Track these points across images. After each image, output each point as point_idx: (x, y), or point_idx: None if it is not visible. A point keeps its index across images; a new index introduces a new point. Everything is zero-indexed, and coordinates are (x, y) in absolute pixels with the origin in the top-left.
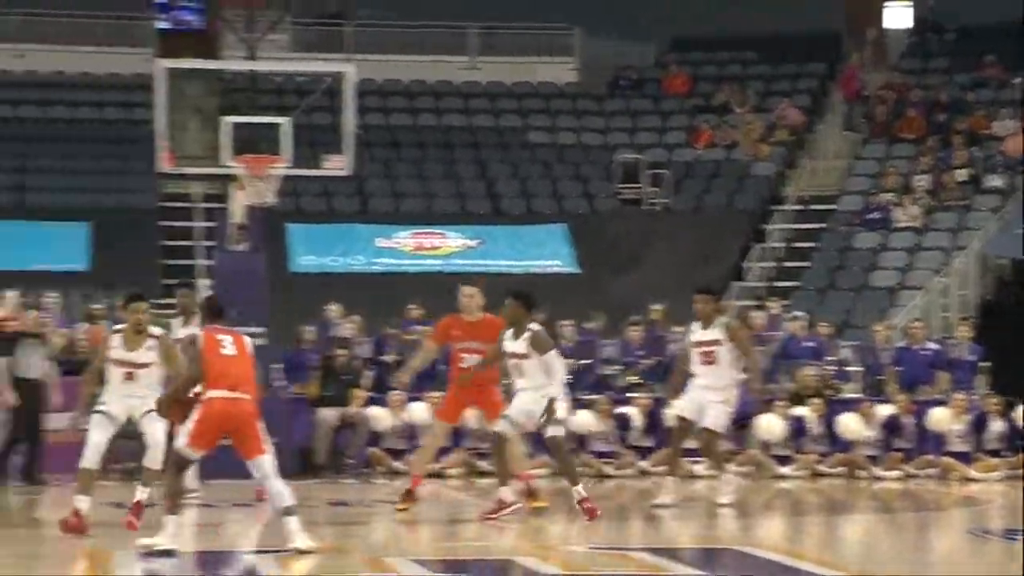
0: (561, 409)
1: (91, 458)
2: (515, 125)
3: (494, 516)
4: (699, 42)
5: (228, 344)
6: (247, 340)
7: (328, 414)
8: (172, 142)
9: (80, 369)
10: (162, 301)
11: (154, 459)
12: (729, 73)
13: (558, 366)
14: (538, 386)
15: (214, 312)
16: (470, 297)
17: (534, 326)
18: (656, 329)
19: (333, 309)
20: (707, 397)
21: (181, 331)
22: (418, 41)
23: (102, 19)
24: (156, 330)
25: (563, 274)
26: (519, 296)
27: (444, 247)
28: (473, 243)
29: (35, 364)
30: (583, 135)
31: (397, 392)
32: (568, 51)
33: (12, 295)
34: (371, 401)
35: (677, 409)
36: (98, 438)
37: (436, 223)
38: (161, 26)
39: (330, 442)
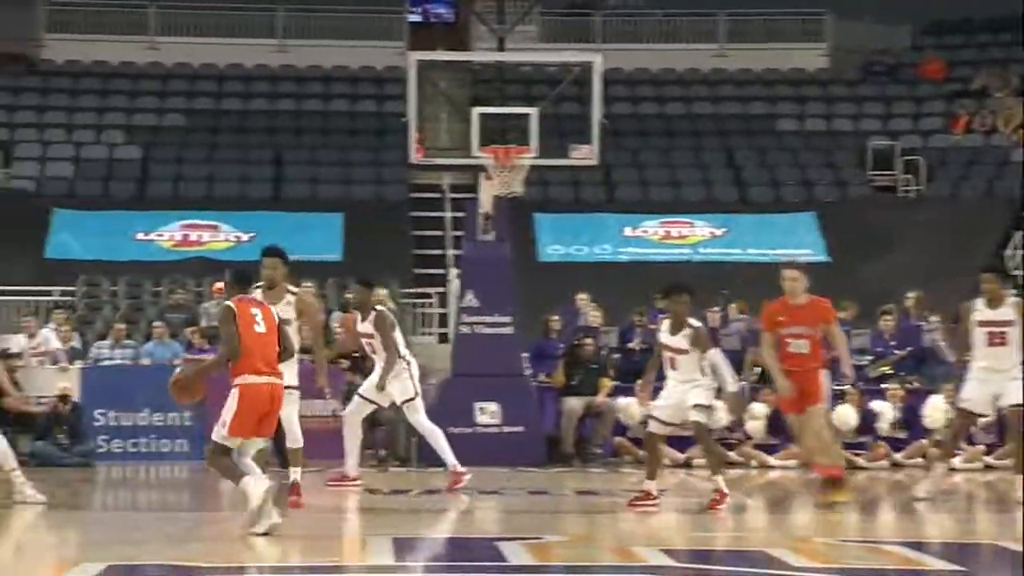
0: (708, 398)
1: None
2: (763, 112)
3: (638, 505)
4: (956, 25)
5: (260, 319)
6: (274, 312)
7: (574, 403)
8: (423, 134)
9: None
10: (412, 290)
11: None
12: (988, 56)
13: (723, 363)
14: (687, 381)
15: (241, 281)
16: (794, 280)
17: (695, 323)
18: (909, 318)
19: (582, 298)
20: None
21: (360, 327)
22: (667, 29)
23: (357, 14)
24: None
25: (812, 263)
26: (681, 290)
27: (691, 236)
28: (720, 232)
29: None
30: (833, 122)
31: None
32: (819, 36)
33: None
34: (617, 390)
35: (965, 402)
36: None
37: (683, 212)
38: (413, 19)
39: (576, 431)
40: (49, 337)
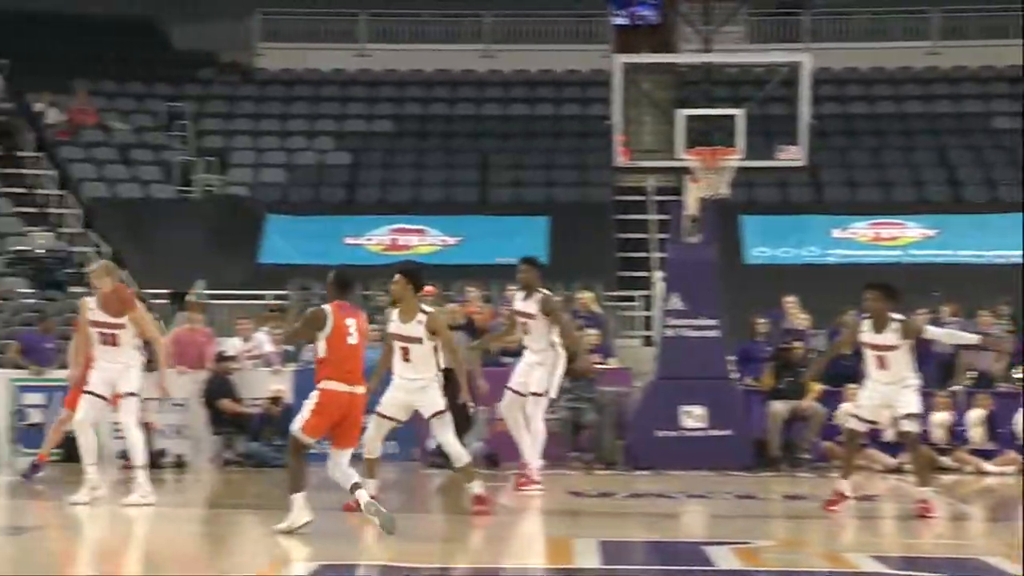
0: (918, 403)
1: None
2: (978, 111)
3: (833, 507)
4: None
5: (353, 331)
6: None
7: (780, 406)
8: (628, 136)
9: None
10: (616, 293)
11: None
12: None
13: (943, 330)
14: (896, 381)
15: (342, 286)
16: None
17: (900, 316)
18: None
19: (789, 301)
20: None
21: (519, 304)
22: (877, 27)
23: (563, 18)
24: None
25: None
26: (875, 287)
27: (902, 237)
28: (932, 233)
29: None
30: None
31: (854, 385)
32: None
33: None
34: (825, 394)
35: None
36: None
37: (894, 213)
38: (618, 22)
39: (782, 435)
40: (263, 340)
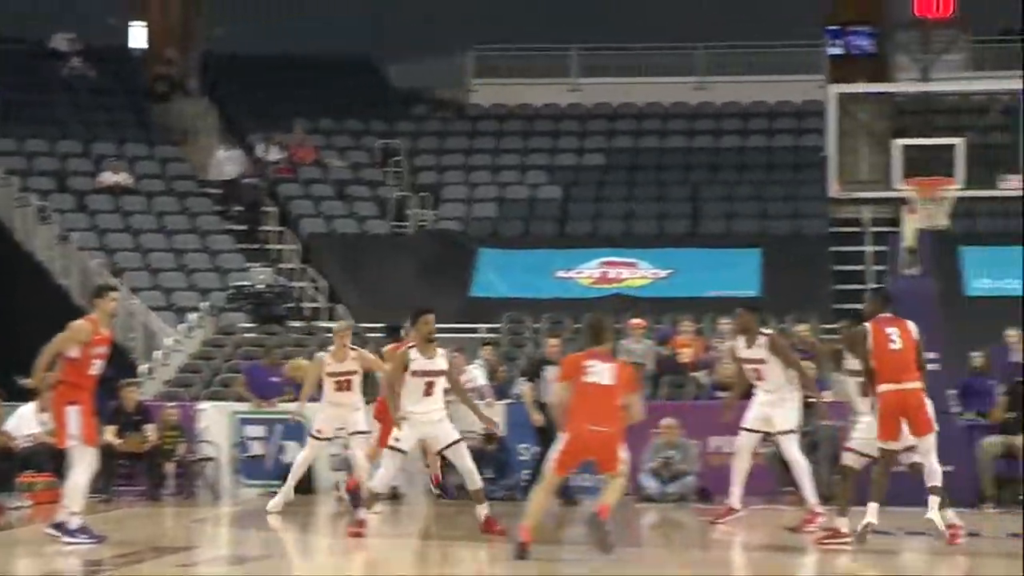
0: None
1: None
2: None
3: (826, 543)
4: None
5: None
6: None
7: (994, 440)
8: (843, 167)
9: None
10: (832, 325)
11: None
12: None
13: None
14: None
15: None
16: None
17: None
18: None
19: (1012, 334)
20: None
21: (744, 352)
22: None
23: (776, 48)
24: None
25: None
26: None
27: None
28: None
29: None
30: None
31: None
32: None
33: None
34: None
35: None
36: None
37: None
38: (833, 52)
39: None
40: (477, 374)
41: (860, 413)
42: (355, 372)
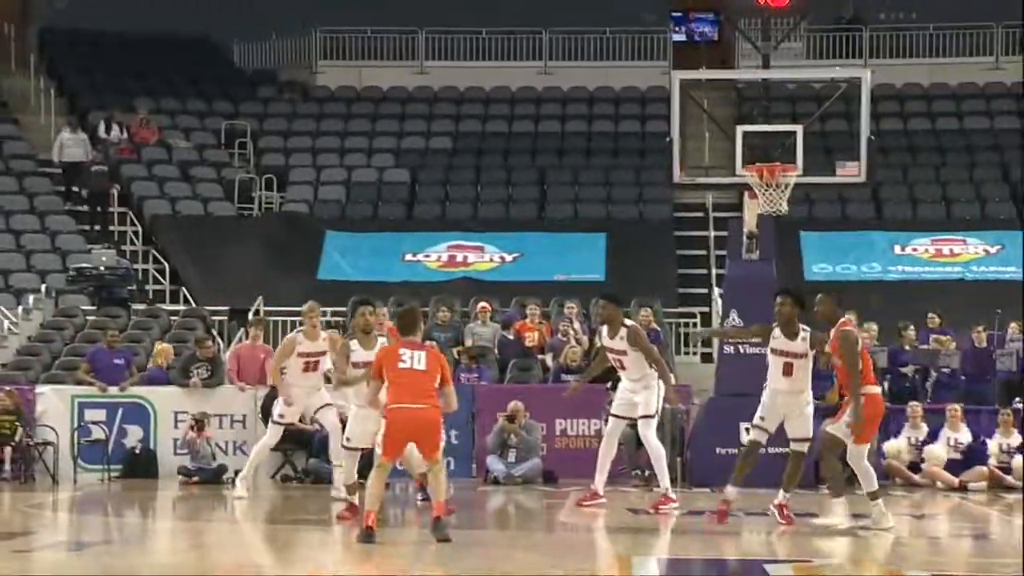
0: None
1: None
2: None
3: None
4: None
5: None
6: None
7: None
8: (686, 153)
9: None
10: (676, 310)
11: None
12: None
13: None
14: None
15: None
16: None
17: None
18: None
19: (849, 318)
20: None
21: (607, 341)
22: (938, 43)
23: (621, 35)
24: None
25: None
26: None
27: (964, 254)
28: (994, 249)
29: None
30: None
31: (915, 403)
32: None
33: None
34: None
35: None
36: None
37: (955, 229)
38: (677, 39)
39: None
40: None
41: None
42: (323, 353)
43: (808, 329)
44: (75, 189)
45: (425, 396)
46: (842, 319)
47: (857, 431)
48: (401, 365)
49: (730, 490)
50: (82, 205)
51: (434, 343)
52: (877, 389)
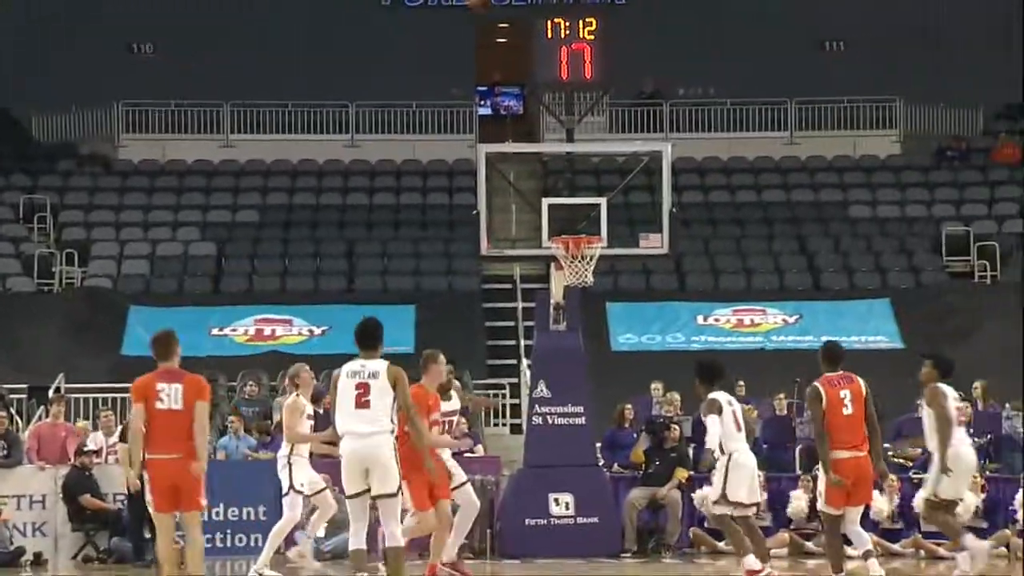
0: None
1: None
2: (836, 199)
3: None
4: None
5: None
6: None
7: (637, 494)
8: (494, 225)
9: None
10: (485, 381)
11: None
12: None
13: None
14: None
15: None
16: None
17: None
18: (980, 406)
19: (656, 387)
20: None
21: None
22: (737, 118)
23: (428, 108)
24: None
25: (886, 350)
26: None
27: (764, 324)
28: (792, 319)
29: None
30: (907, 207)
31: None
32: (891, 123)
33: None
34: (693, 480)
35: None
36: None
37: (756, 299)
38: (483, 112)
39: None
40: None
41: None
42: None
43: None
44: None
45: (177, 441)
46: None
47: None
48: (159, 404)
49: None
50: None
51: (239, 418)
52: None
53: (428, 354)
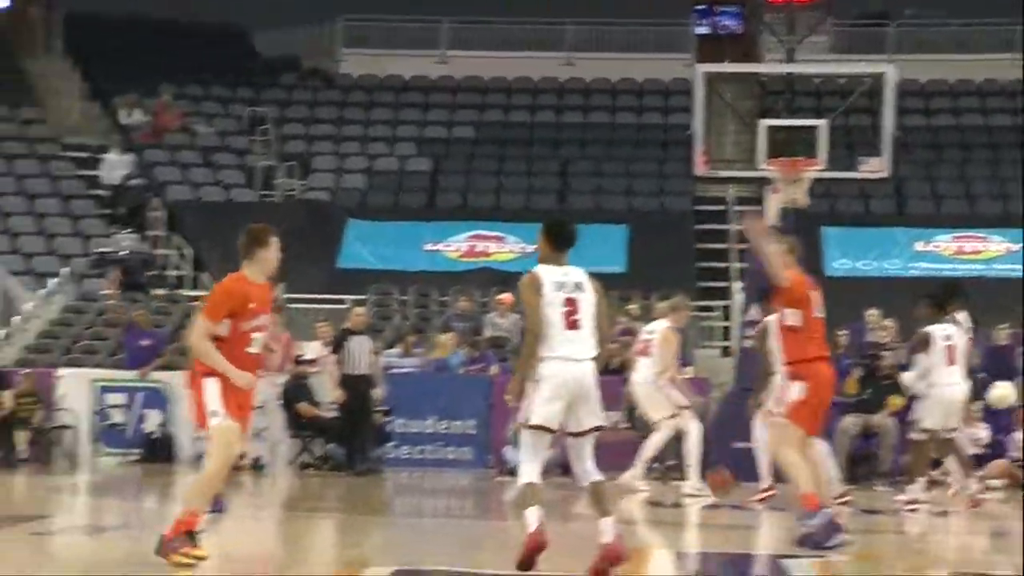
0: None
1: None
2: None
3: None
4: None
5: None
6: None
7: (850, 421)
8: (708, 145)
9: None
10: (696, 303)
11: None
12: None
13: None
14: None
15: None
16: None
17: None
18: None
19: (871, 314)
20: None
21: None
22: (964, 39)
23: (645, 26)
24: None
25: None
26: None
27: (985, 251)
28: (1016, 247)
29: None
30: None
31: None
32: None
33: None
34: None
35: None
36: None
37: (978, 226)
38: (701, 31)
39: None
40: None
41: None
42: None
43: None
44: (117, 207)
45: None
46: None
47: None
48: None
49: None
50: (124, 223)
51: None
52: None
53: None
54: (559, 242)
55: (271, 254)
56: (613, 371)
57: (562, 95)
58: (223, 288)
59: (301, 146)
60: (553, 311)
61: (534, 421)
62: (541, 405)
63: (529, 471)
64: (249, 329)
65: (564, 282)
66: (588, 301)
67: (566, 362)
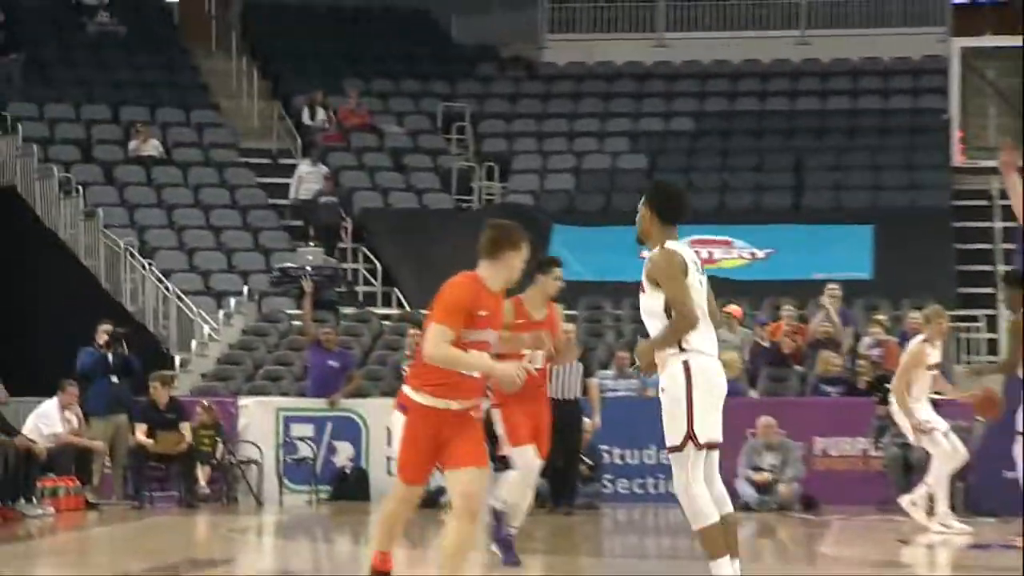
0: None
1: None
2: None
3: None
4: None
5: None
6: None
7: None
8: (967, 131)
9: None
10: (956, 312)
11: None
12: None
13: None
14: None
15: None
16: None
17: None
18: None
19: None
20: None
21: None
22: None
23: None
24: None
25: None
26: None
27: None
28: None
29: None
30: None
31: None
32: None
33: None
34: None
35: None
36: None
37: None
38: (957, 1)
39: None
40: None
41: None
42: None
43: None
44: (308, 225)
45: None
46: None
47: None
48: None
49: None
50: (316, 241)
51: None
52: None
53: None
54: (676, 214)
55: (519, 260)
56: (861, 391)
57: (796, 79)
58: (457, 286)
59: (501, 145)
60: (699, 297)
61: (706, 438)
62: (704, 415)
63: (709, 506)
64: (470, 342)
65: (698, 264)
66: (707, 285)
67: (711, 359)
